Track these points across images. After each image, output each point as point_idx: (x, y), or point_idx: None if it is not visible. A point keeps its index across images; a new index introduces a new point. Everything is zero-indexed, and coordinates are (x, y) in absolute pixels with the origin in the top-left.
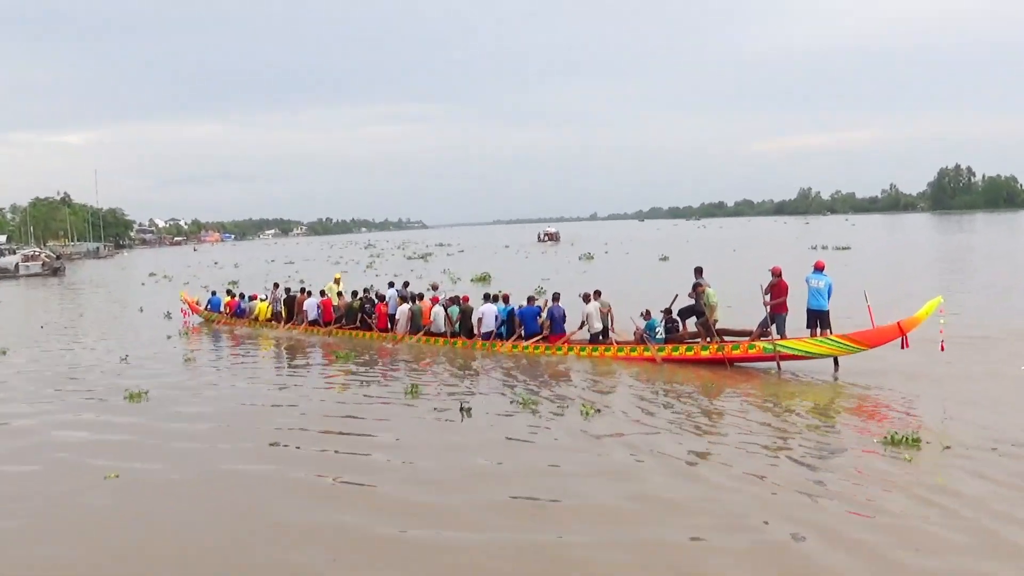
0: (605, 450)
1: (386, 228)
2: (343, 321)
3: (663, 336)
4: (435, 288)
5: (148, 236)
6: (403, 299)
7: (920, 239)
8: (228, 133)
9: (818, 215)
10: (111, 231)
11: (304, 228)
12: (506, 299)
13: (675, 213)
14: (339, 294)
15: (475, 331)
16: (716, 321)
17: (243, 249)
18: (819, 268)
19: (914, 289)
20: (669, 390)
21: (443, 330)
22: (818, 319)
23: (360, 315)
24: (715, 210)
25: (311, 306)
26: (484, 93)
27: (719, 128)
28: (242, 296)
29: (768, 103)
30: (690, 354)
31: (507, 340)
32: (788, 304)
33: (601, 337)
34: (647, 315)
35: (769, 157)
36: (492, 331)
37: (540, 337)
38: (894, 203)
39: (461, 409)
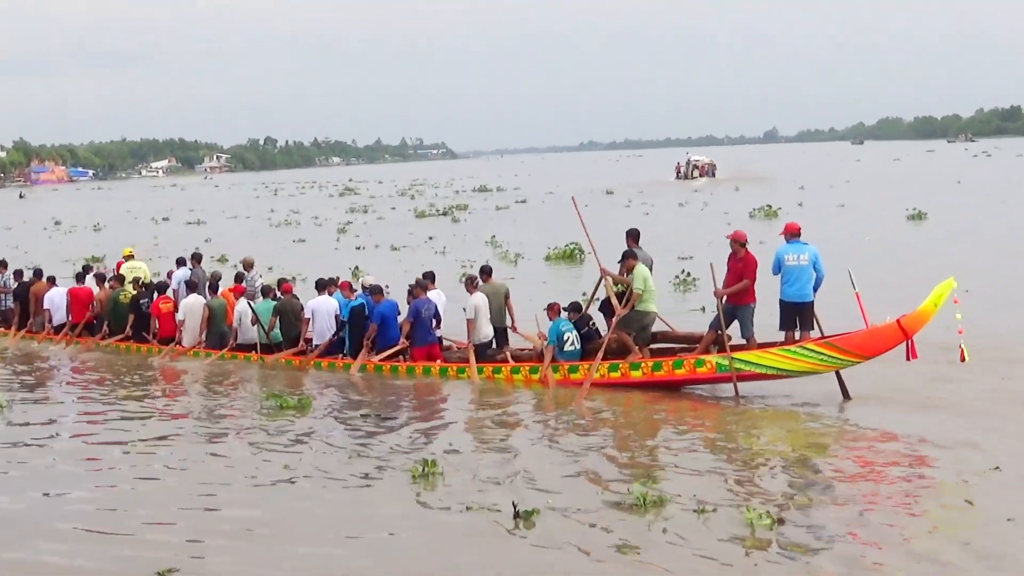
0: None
1: (378, 158)
2: (107, 324)
3: (577, 347)
4: (248, 267)
5: None
6: (193, 287)
7: None
8: None
9: None
10: None
11: (225, 158)
12: (347, 288)
13: (925, 128)
14: (111, 281)
15: (304, 337)
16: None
17: (111, 195)
18: (793, 233)
19: None
20: (578, 425)
21: (255, 340)
22: (797, 315)
23: (133, 315)
24: (1004, 122)
25: (55, 300)
26: None
27: None
28: None
29: None
30: (607, 376)
31: (350, 353)
32: (757, 289)
33: (496, 344)
34: (554, 312)
35: None
36: (330, 338)
37: (396, 350)
38: None
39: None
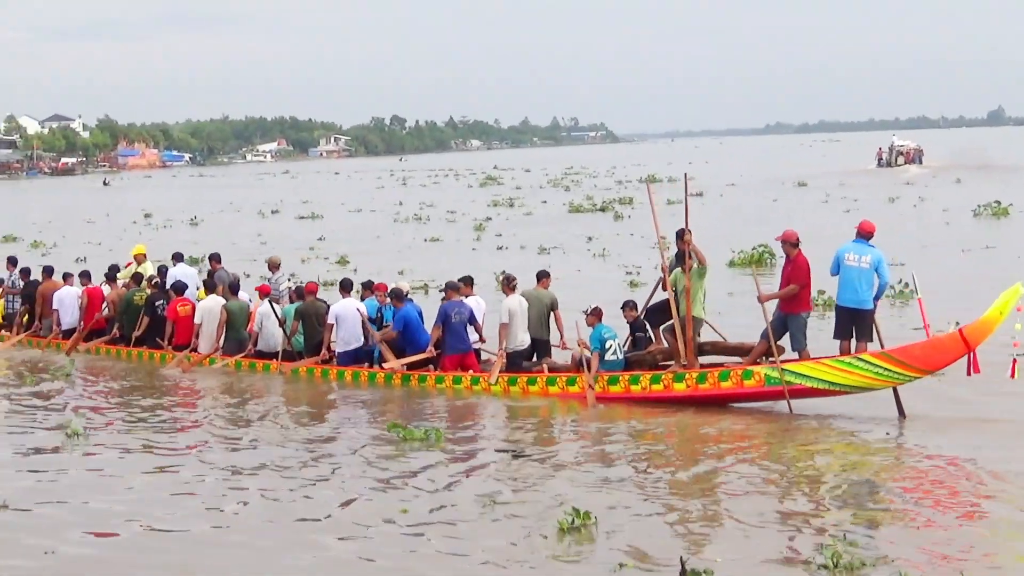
0: None
1: (525, 141)
2: (118, 327)
3: (619, 357)
4: (274, 267)
5: (5, 154)
6: (210, 287)
7: None
8: None
9: None
10: None
11: (344, 141)
12: (379, 289)
13: None
14: (137, 280)
15: (326, 345)
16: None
17: (211, 183)
18: (864, 234)
19: None
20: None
21: (277, 347)
22: (854, 324)
23: (148, 318)
24: None
25: (65, 300)
26: None
27: None
28: None
29: None
30: (648, 389)
31: (379, 361)
32: (811, 296)
33: (536, 355)
34: (594, 317)
35: None
36: (359, 346)
37: (422, 358)
38: None
39: None
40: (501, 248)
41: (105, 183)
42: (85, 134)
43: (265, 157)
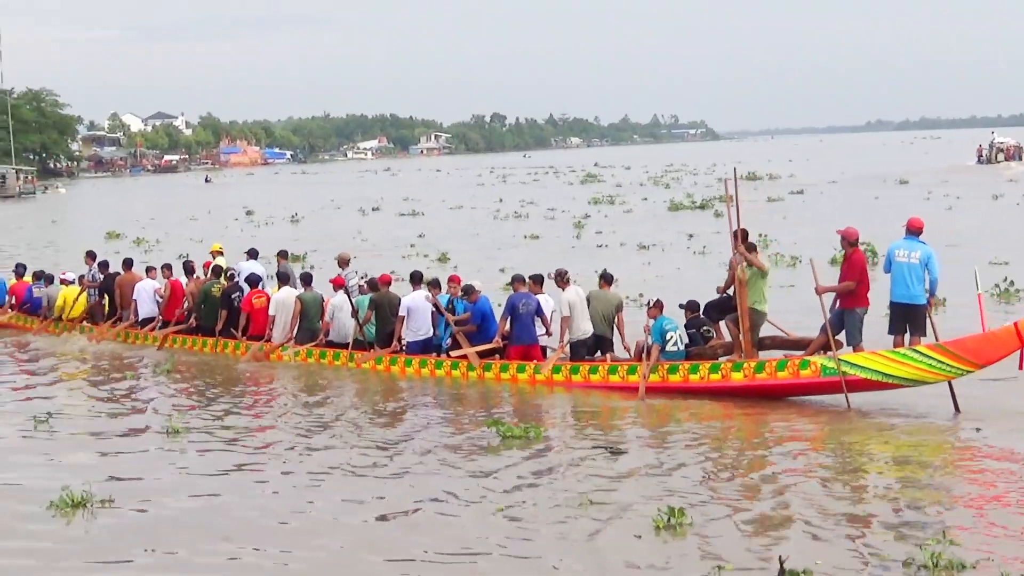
0: None
1: (625, 139)
2: (196, 317)
3: (680, 348)
4: (344, 264)
5: (110, 151)
6: (283, 280)
7: None
8: None
9: None
10: (31, 140)
11: (444, 138)
12: (452, 281)
13: None
14: (216, 273)
15: (397, 336)
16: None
17: (313, 180)
18: (913, 230)
19: None
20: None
21: (348, 337)
22: (908, 319)
23: (226, 311)
24: None
25: (144, 292)
26: None
27: None
28: (38, 277)
29: None
30: (707, 378)
31: (449, 351)
32: (870, 291)
33: (599, 351)
34: (656, 309)
35: None
36: (427, 337)
37: (490, 348)
38: None
39: None
40: (601, 246)
41: (207, 180)
42: (188, 132)
43: (366, 154)
